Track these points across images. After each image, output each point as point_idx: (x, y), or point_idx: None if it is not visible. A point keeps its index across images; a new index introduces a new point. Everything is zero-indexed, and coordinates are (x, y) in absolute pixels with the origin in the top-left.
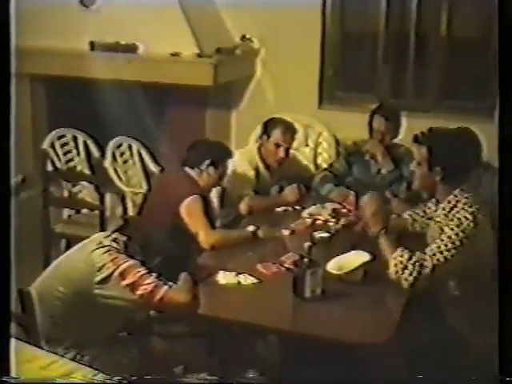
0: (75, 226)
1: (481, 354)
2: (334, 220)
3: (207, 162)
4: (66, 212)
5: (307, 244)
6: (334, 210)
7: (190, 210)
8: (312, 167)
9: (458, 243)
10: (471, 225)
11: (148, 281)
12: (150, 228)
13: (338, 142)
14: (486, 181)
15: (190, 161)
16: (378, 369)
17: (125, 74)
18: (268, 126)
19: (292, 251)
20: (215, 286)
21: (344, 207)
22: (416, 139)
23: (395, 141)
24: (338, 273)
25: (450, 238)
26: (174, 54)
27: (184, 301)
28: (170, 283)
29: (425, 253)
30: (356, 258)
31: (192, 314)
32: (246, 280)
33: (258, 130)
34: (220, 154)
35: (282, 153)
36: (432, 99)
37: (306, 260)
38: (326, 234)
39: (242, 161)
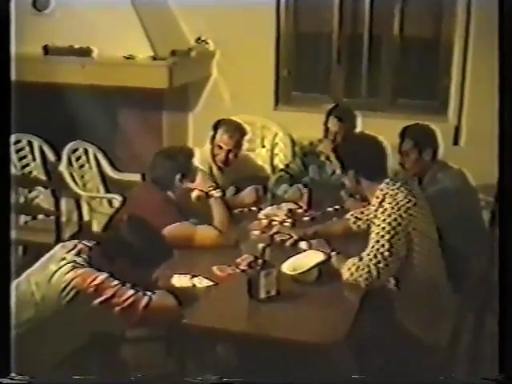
0: (32, 232)
1: (431, 349)
2: (290, 220)
3: (178, 177)
4: (22, 218)
5: (261, 245)
6: (290, 210)
7: (176, 235)
8: (268, 168)
9: (392, 231)
10: (399, 211)
11: (128, 293)
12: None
13: (294, 143)
14: (442, 178)
15: (161, 182)
16: (332, 368)
17: (80, 78)
18: (216, 128)
19: (247, 253)
20: (170, 289)
21: (300, 207)
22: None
23: None
24: (293, 273)
25: (382, 227)
26: (129, 57)
27: (172, 305)
28: (149, 293)
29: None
30: (310, 259)
31: (179, 318)
32: (201, 283)
33: None
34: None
35: (222, 155)
36: (386, 98)
37: (260, 261)
38: (280, 235)
39: (199, 161)
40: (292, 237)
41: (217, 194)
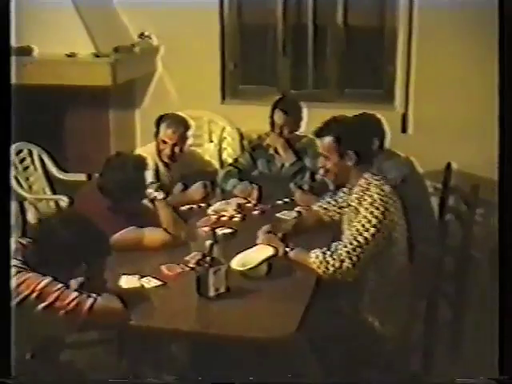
0: None
1: (385, 338)
2: (239, 215)
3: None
4: None
5: (209, 242)
6: (239, 205)
7: (125, 240)
8: (216, 163)
9: (374, 221)
10: (385, 203)
11: (71, 296)
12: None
13: (242, 136)
14: (389, 167)
15: (112, 194)
16: (287, 363)
17: (21, 77)
18: (158, 123)
19: (196, 250)
20: (119, 291)
21: (249, 201)
22: (319, 133)
23: (297, 133)
24: (242, 269)
25: (365, 217)
26: (70, 55)
27: (117, 307)
28: (93, 295)
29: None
30: (259, 253)
31: (125, 320)
32: (150, 283)
33: None
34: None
35: (167, 149)
36: (333, 89)
37: (208, 258)
38: (228, 231)
39: None
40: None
41: (159, 196)
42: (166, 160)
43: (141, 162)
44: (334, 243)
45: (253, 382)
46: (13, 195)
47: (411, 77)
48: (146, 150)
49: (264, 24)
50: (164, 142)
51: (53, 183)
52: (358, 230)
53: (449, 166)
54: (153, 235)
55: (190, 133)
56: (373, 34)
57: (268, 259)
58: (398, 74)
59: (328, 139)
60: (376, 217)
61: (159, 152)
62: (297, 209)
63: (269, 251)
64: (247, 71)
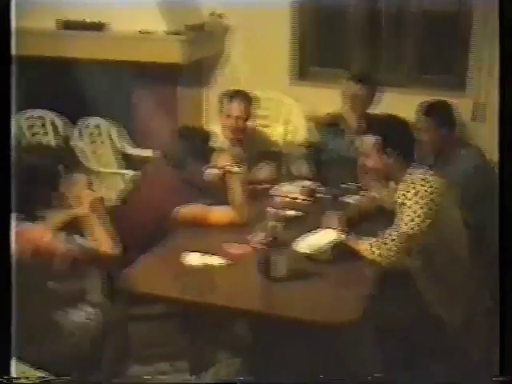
0: None
1: (455, 332)
2: (303, 198)
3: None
4: None
5: (274, 223)
6: (306, 187)
7: (191, 216)
8: (282, 143)
9: (422, 214)
10: (429, 194)
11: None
12: None
13: (309, 118)
14: (463, 156)
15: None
16: (349, 348)
17: (93, 52)
18: (222, 99)
19: (260, 231)
20: (182, 267)
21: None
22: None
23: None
24: (307, 252)
25: (410, 208)
26: (143, 32)
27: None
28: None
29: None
30: (324, 237)
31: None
32: (213, 261)
33: None
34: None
35: (232, 122)
36: (405, 73)
37: (273, 240)
38: (294, 213)
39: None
40: None
41: (235, 169)
42: (230, 135)
43: (206, 134)
44: (385, 231)
45: (253, 382)
46: (80, 168)
47: (485, 64)
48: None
49: (339, 6)
50: (228, 116)
51: (120, 158)
52: (403, 220)
53: None
54: (220, 213)
55: (253, 108)
56: (449, 19)
57: (333, 243)
58: (472, 61)
59: (369, 138)
60: (421, 207)
61: (224, 131)
62: (362, 193)
63: (333, 235)
64: (319, 53)
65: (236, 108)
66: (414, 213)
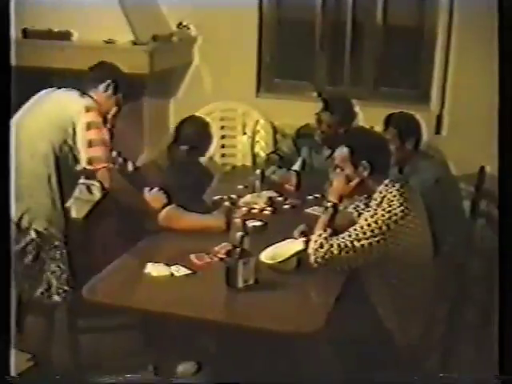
0: None
1: (404, 347)
2: (270, 208)
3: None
4: None
5: (240, 234)
6: (269, 198)
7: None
8: (249, 155)
9: (384, 228)
10: (401, 212)
11: None
12: None
13: (275, 130)
14: (425, 168)
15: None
16: (310, 358)
17: (59, 61)
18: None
19: (226, 241)
20: (146, 278)
21: (281, 195)
22: (334, 144)
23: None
24: (272, 262)
25: (376, 222)
26: (109, 42)
27: None
28: None
29: (349, 235)
30: (290, 247)
31: None
32: (179, 271)
33: None
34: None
35: None
36: (369, 86)
37: (238, 250)
38: (259, 223)
39: None
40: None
41: None
42: None
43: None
44: (343, 235)
45: (253, 382)
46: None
47: (448, 78)
48: None
49: (302, 18)
50: None
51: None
52: (361, 226)
53: (482, 169)
54: (197, 218)
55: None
56: (411, 33)
57: (298, 253)
58: (435, 74)
59: (343, 150)
60: (387, 224)
61: None
62: (324, 203)
63: (299, 245)
64: (283, 65)
65: None
66: (368, 227)
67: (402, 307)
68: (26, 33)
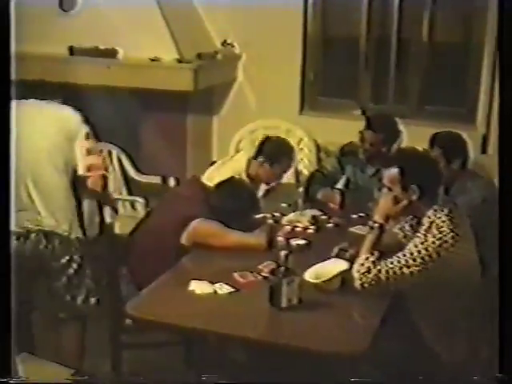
0: None
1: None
2: (313, 227)
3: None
4: None
5: (284, 252)
6: (313, 216)
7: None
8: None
9: (435, 256)
10: (451, 239)
11: None
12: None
13: (319, 148)
14: (472, 187)
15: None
16: (353, 380)
17: (104, 79)
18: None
19: (269, 259)
20: (190, 295)
21: (324, 213)
22: (386, 164)
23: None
24: (316, 281)
25: (426, 250)
26: (154, 59)
27: None
28: None
29: (398, 260)
30: (334, 267)
31: None
32: (222, 289)
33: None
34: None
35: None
36: (413, 105)
37: (282, 268)
38: (303, 242)
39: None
40: None
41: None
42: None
43: (253, 193)
44: (389, 260)
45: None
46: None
47: (495, 96)
48: (236, 165)
49: (347, 36)
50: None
51: (129, 184)
52: (411, 252)
53: None
54: (240, 236)
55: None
56: (457, 50)
57: (342, 273)
58: (482, 92)
59: (393, 171)
60: (437, 252)
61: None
62: (370, 223)
63: (343, 265)
64: (327, 83)
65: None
66: (418, 253)
67: (446, 328)
68: (72, 50)
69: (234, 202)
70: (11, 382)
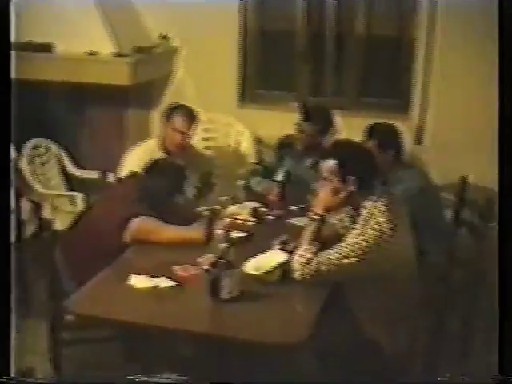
0: None
1: (391, 355)
2: (253, 219)
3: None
4: None
5: (224, 245)
6: (253, 209)
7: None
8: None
9: (374, 246)
10: (389, 229)
11: None
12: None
13: (258, 141)
14: (407, 177)
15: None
16: (294, 370)
17: (41, 73)
18: (168, 112)
19: (210, 252)
20: (130, 290)
21: (264, 206)
22: (323, 155)
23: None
24: (256, 273)
25: (365, 240)
26: (91, 54)
27: None
28: None
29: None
30: (273, 258)
31: None
32: (163, 283)
33: None
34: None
35: (178, 137)
36: (351, 97)
37: (222, 261)
38: (243, 234)
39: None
40: None
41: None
42: (172, 148)
43: (180, 167)
44: (329, 251)
45: (254, 382)
46: (29, 190)
47: (429, 88)
48: (146, 147)
49: (285, 29)
50: (174, 131)
51: (69, 180)
52: (351, 243)
53: (464, 178)
54: (178, 231)
55: (196, 125)
56: (392, 43)
57: (282, 265)
58: (416, 84)
59: (331, 162)
60: (375, 240)
61: (163, 143)
62: (310, 215)
63: (282, 257)
64: (266, 76)
65: (184, 124)
66: (364, 240)
67: (385, 318)
68: (12, 45)
69: (163, 181)
70: (11, 382)
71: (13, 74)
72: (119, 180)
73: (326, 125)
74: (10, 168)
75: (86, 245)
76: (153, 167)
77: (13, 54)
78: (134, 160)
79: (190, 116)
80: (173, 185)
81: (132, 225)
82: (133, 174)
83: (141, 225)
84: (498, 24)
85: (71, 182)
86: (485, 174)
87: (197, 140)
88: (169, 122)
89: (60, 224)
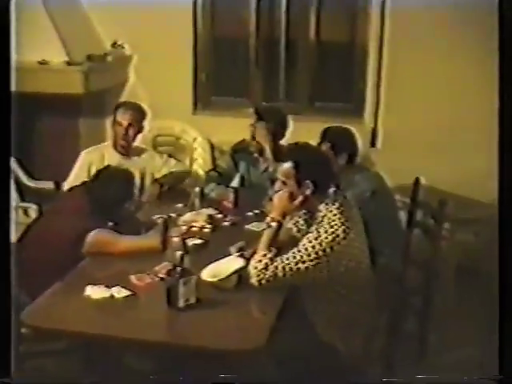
0: None
1: (348, 358)
2: (209, 226)
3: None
4: None
5: (180, 252)
6: (209, 216)
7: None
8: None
9: (328, 250)
10: (342, 232)
11: None
12: None
13: (213, 147)
14: (360, 180)
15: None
16: (252, 375)
17: None
18: (114, 111)
19: (166, 260)
20: (86, 301)
21: (220, 212)
22: (279, 157)
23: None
24: (213, 280)
25: (320, 244)
26: (42, 63)
27: None
28: None
29: (293, 256)
30: (230, 265)
31: None
32: (119, 293)
33: None
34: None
35: (122, 130)
36: (303, 102)
37: (178, 269)
38: (199, 241)
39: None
40: None
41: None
42: (121, 143)
43: (130, 177)
44: (284, 257)
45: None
46: None
47: (381, 91)
48: (100, 148)
49: (237, 36)
50: (119, 125)
51: (22, 191)
52: (306, 248)
53: (417, 180)
54: (133, 241)
55: (146, 121)
56: (344, 48)
57: (238, 271)
58: (368, 88)
59: (287, 165)
60: (331, 246)
61: (115, 142)
62: (267, 220)
63: (239, 263)
64: (219, 83)
65: (127, 117)
66: (310, 250)
67: (341, 321)
68: None
69: (111, 189)
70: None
71: None
72: (69, 190)
73: (280, 126)
74: None
75: (39, 257)
76: (99, 176)
77: None
78: (84, 166)
79: (133, 109)
80: (122, 192)
81: (88, 238)
82: (82, 183)
83: (97, 237)
84: (499, 24)
85: (25, 193)
86: (437, 175)
87: (150, 146)
88: (115, 120)
89: (14, 236)
